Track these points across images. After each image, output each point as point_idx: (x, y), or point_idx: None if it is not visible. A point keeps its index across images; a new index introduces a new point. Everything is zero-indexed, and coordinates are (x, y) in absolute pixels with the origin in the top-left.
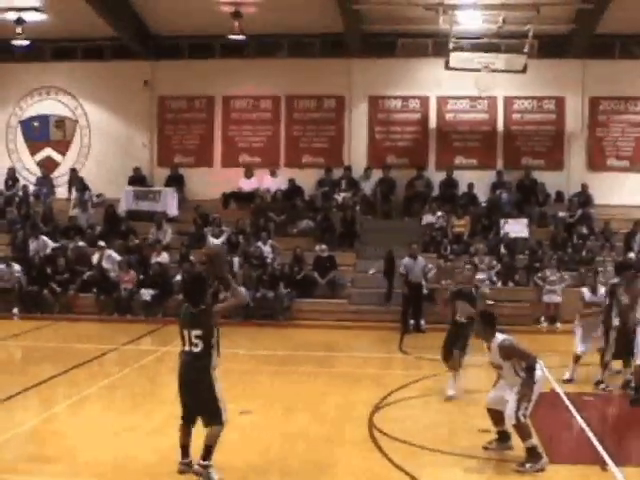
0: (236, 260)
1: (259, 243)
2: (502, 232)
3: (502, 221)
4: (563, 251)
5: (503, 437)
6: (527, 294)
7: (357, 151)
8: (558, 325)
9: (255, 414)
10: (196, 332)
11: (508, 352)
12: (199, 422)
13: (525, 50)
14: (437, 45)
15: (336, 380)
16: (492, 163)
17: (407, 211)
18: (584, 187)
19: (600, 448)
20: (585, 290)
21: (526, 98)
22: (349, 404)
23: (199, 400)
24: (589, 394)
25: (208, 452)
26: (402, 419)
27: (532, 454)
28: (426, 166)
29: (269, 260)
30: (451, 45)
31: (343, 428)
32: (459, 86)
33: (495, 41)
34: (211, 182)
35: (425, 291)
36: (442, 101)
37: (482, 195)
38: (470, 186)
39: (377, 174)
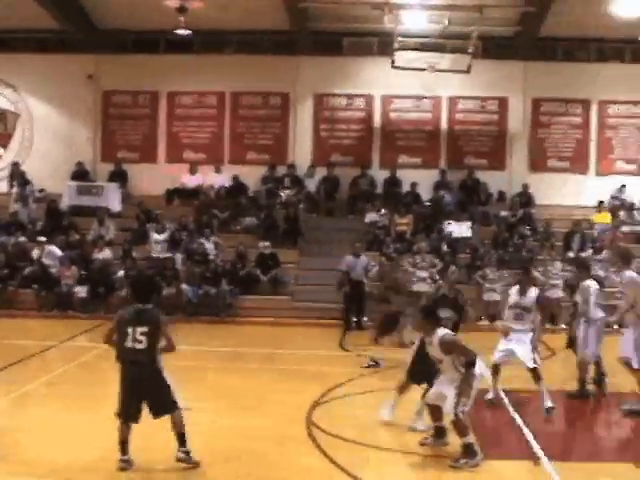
0: (179, 257)
1: (202, 240)
2: (444, 232)
3: (445, 223)
4: (504, 250)
5: (440, 433)
6: (468, 292)
7: (302, 149)
8: (498, 323)
9: (197, 411)
10: (142, 329)
11: (449, 347)
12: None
13: (469, 51)
14: (383, 44)
15: (279, 377)
16: (435, 162)
17: (351, 209)
18: (525, 187)
19: (534, 444)
20: (514, 291)
21: (470, 98)
22: (290, 401)
23: (152, 393)
24: (526, 391)
25: (183, 438)
26: (341, 416)
27: (468, 451)
28: (370, 164)
29: (212, 257)
30: (396, 44)
31: (284, 425)
32: (404, 85)
33: (440, 41)
34: (155, 178)
35: (367, 289)
36: (387, 100)
37: (425, 194)
38: (413, 185)
39: (321, 172)
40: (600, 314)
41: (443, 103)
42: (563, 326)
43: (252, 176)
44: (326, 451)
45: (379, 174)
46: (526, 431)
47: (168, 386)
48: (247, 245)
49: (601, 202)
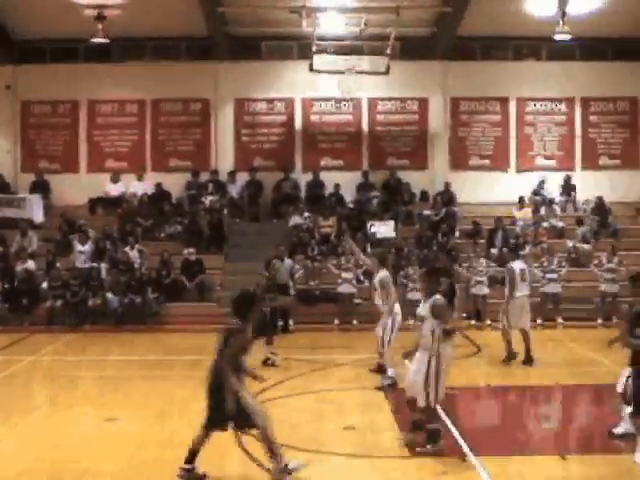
0: (103, 266)
1: (126, 248)
2: (369, 233)
3: (369, 223)
4: (428, 249)
5: (416, 426)
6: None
7: (224, 154)
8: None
9: (124, 420)
10: None
11: (438, 310)
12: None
13: (387, 52)
14: (301, 48)
15: (205, 384)
16: (358, 164)
17: (275, 213)
18: (447, 186)
19: (461, 440)
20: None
21: (390, 99)
22: None
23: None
24: (453, 388)
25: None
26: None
27: (434, 436)
28: (293, 168)
29: (137, 265)
30: (314, 48)
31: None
32: (324, 88)
33: (358, 43)
34: (77, 188)
35: (292, 292)
36: (307, 103)
37: (349, 196)
38: (337, 187)
39: (244, 177)
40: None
41: (363, 105)
42: (488, 322)
43: (175, 183)
44: (254, 455)
45: (302, 177)
46: (453, 428)
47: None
48: (172, 252)
49: (522, 198)
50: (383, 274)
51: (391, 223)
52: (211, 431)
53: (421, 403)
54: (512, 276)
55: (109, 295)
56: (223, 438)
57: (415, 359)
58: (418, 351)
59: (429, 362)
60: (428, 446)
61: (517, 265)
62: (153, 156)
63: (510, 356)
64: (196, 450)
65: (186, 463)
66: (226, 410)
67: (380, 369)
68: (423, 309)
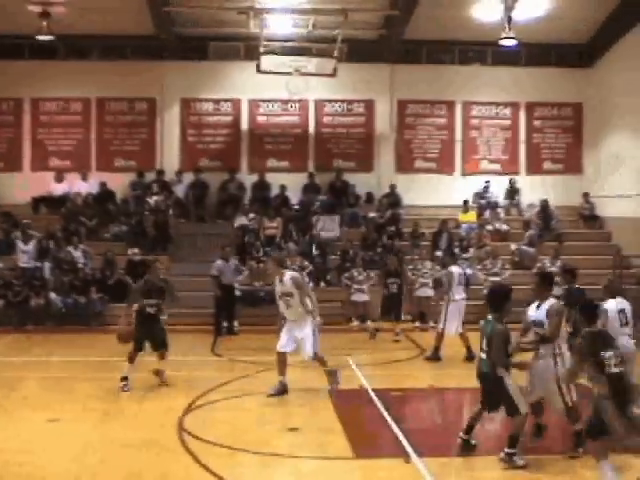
0: (47, 266)
1: (70, 248)
2: (315, 230)
3: (314, 218)
4: (373, 251)
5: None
6: (339, 294)
7: (170, 154)
8: (369, 323)
9: (68, 421)
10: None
11: (298, 283)
12: None
13: (335, 54)
14: (249, 48)
15: (151, 385)
16: (304, 165)
17: (220, 214)
18: (393, 188)
19: (405, 442)
20: None
21: (337, 101)
22: (163, 408)
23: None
24: (396, 390)
25: (512, 441)
26: (213, 421)
27: (580, 440)
28: (238, 169)
29: (81, 265)
30: (262, 48)
31: (156, 433)
32: (271, 89)
33: (306, 45)
34: (20, 186)
35: (237, 293)
36: (254, 104)
37: (294, 197)
38: (282, 188)
39: (190, 177)
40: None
41: (310, 106)
42: (432, 324)
43: (120, 183)
44: (198, 457)
45: (248, 178)
46: (396, 429)
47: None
48: (116, 252)
49: (466, 201)
50: (292, 274)
51: (335, 219)
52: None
53: (559, 405)
54: (450, 279)
55: (52, 295)
56: None
57: (534, 367)
58: (537, 357)
59: (555, 364)
60: (580, 449)
61: (455, 269)
62: (98, 155)
63: (434, 356)
64: (472, 424)
65: (465, 434)
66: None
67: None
68: (538, 314)
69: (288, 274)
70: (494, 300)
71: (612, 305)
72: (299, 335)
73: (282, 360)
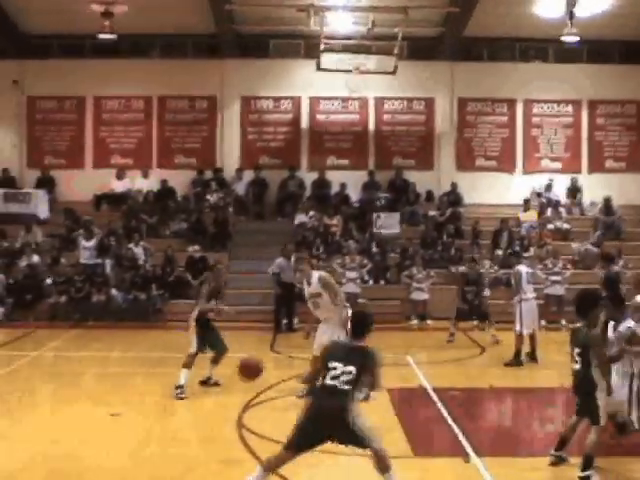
0: (108, 263)
1: (131, 245)
2: (374, 228)
3: (374, 215)
4: (433, 249)
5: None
6: (398, 292)
7: (230, 152)
8: (428, 322)
9: (127, 416)
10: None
11: (325, 283)
12: None
13: (395, 52)
14: (309, 46)
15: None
16: (364, 163)
17: (280, 212)
18: (453, 186)
19: (464, 441)
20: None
21: (396, 99)
22: (222, 405)
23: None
24: (456, 389)
25: (587, 462)
26: (272, 418)
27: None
28: (298, 166)
29: (141, 262)
30: (322, 46)
31: (215, 429)
32: (331, 87)
33: (365, 43)
34: (82, 184)
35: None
36: (314, 102)
37: (354, 195)
38: (342, 186)
39: (250, 175)
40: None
41: (370, 104)
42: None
43: (180, 180)
44: (256, 453)
45: (307, 176)
46: (456, 428)
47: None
48: (176, 249)
49: (527, 200)
50: (320, 274)
51: (396, 216)
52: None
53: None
54: (519, 279)
55: (113, 291)
56: None
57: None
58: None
59: (631, 379)
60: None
61: (523, 267)
62: (159, 153)
63: (516, 362)
64: (566, 439)
65: (556, 450)
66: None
67: None
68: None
69: (315, 274)
70: (583, 306)
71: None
72: (333, 335)
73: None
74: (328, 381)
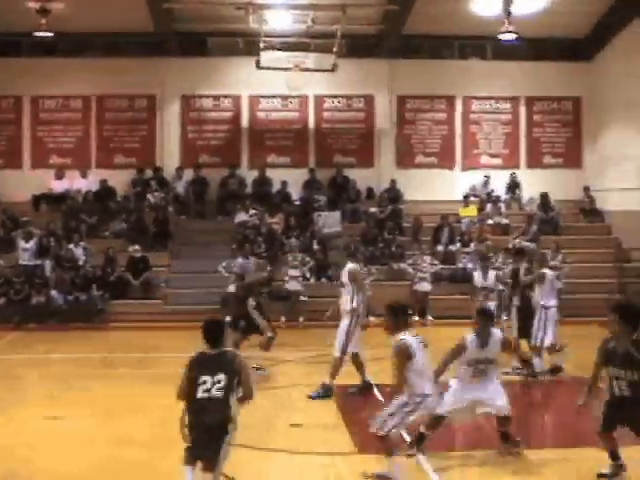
0: (48, 263)
1: (71, 245)
2: (316, 226)
3: (316, 215)
4: (374, 246)
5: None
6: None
7: (170, 151)
8: (371, 319)
9: (72, 419)
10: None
11: (352, 275)
12: None
13: (334, 50)
14: (248, 44)
15: (156, 381)
16: (304, 161)
17: (221, 210)
18: (393, 183)
19: (407, 437)
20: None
21: (336, 97)
22: (169, 405)
23: None
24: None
25: None
26: None
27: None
28: (239, 165)
29: (81, 262)
30: (261, 44)
31: (164, 430)
32: (271, 85)
33: (305, 40)
34: (21, 184)
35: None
36: (254, 100)
37: (295, 193)
38: (283, 184)
39: (190, 174)
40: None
41: (310, 102)
42: (430, 318)
43: (120, 180)
44: None
45: (248, 174)
46: None
47: None
48: (116, 249)
49: (467, 196)
50: (351, 266)
51: (337, 214)
52: None
53: None
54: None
55: (53, 293)
56: None
57: None
58: None
59: None
60: None
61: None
62: (98, 152)
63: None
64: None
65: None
66: None
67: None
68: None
69: (348, 265)
70: (630, 316)
71: None
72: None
73: (357, 362)
74: None
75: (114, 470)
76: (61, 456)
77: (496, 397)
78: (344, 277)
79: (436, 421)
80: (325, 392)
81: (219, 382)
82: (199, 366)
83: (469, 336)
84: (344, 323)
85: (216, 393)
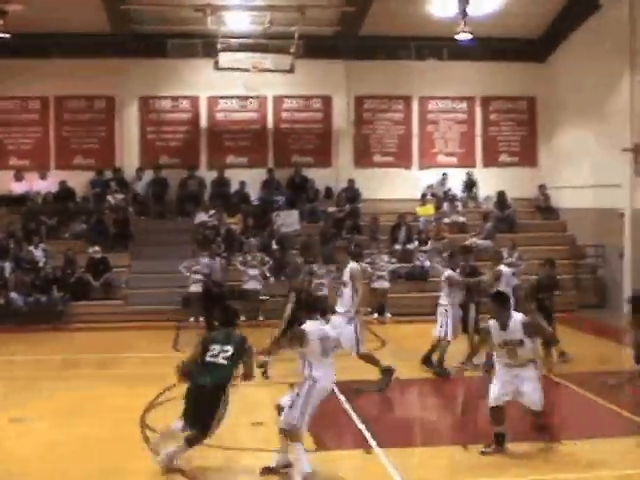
0: (7, 265)
1: (31, 247)
2: (275, 226)
3: (274, 214)
4: (333, 245)
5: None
6: None
7: (129, 152)
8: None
9: (31, 420)
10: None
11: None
12: None
13: (292, 51)
14: (207, 46)
15: (116, 382)
16: (263, 161)
17: (180, 211)
18: (351, 182)
19: (366, 433)
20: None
21: (294, 97)
22: (128, 405)
23: None
24: (357, 382)
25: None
26: (175, 417)
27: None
28: (198, 166)
29: (41, 264)
30: (220, 45)
31: (122, 430)
32: (229, 86)
33: (263, 41)
34: None
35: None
36: (212, 101)
37: (254, 193)
38: (242, 184)
39: (150, 174)
40: None
41: (268, 103)
42: (388, 315)
43: (79, 181)
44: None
45: (207, 175)
46: (358, 421)
47: None
48: (77, 251)
49: (424, 195)
50: (352, 265)
51: (295, 213)
52: None
53: None
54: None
55: (13, 294)
56: None
57: None
58: None
59: None
60: None
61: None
62: (57, 154)
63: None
64: None
65: None
66: None
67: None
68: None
69: (350, 265)
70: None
71: None
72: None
73: (366, 357)
74: None
75: (78, 470)
76: (24, 458)
77: (533, 393)
78: (346, 276)
79: (498, 414)
80: (389, 378)
81: (226, 351)
82: (212, 338)
83: (491, 321)
84: (352, 324)
85: (222, 360)
